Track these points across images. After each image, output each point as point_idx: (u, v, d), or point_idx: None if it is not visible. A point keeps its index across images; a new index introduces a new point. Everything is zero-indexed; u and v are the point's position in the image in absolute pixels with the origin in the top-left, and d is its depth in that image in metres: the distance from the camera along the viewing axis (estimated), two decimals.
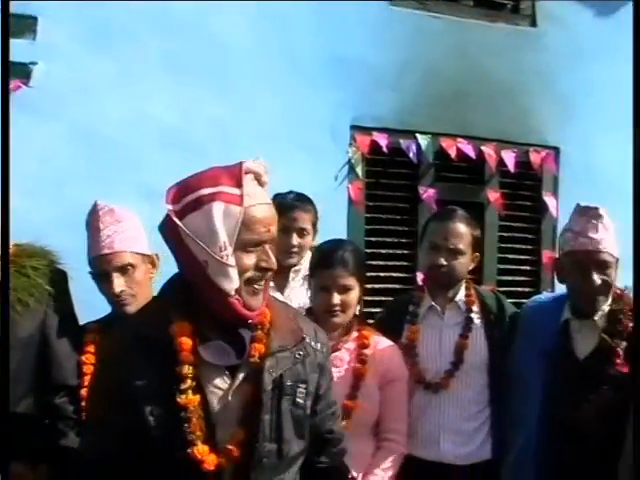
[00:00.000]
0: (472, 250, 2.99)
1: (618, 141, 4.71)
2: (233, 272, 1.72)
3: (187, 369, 1.74)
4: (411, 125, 4.42)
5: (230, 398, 1.78)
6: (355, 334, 2.78)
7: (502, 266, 4.70)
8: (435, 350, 2.96)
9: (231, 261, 1.71)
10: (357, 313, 2.83)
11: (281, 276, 3.20)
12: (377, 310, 3.61)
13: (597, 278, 2.60)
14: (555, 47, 4.73)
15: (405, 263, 4.45)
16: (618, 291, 2.70)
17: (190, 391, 1.73)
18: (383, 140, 4.33)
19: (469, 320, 2.96)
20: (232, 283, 1.73)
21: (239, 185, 1.72)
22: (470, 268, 3.02)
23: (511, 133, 4.66)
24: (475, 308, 2.99)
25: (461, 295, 3.01)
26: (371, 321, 3.29)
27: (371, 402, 2.70)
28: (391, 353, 2.82)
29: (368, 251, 4.33)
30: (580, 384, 2.57)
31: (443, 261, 2.91)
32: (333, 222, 4.00)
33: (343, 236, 4.14)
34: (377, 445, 2.75)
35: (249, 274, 1.74)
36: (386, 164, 4.41)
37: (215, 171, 1.77)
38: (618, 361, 2.54)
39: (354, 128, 4.32)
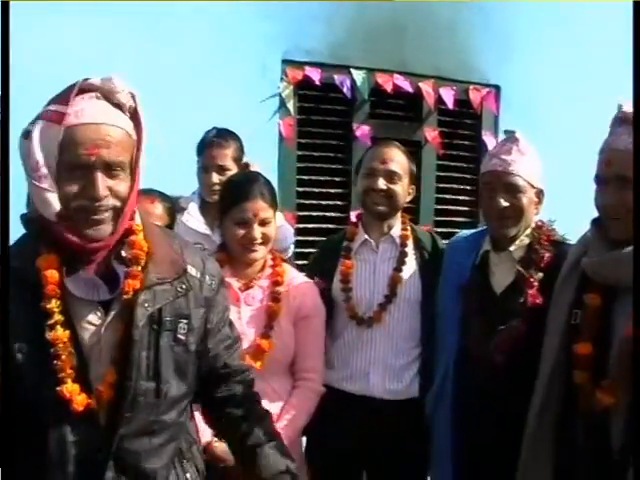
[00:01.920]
0: (409, 180, 2.99)
1: (558, 79, 4.73)
2: (49, 196, 1.65)
3: (54, 303, 1.70)
4: (345, 60, 4.37)
5: (103, 335, 1.74)
6: (269, 271, 2.78)
7: (439, 206, 4.72)
8: (369, 284, 2.99)
9: (46, 184, 1.64)
10: (271, 248, 2.83)
11: (210, 213, 3.24)
12: (310, 250, 3.62)
13: (503, 200, 2.60)
14: None
15: (338, 202, 4.44)
16: (539, 222, 2.71)
17: (59, 326, 1.69)
18: (316, 75, 4.28)
19: (403, 254, 2.99)
20: (49, 208, 1.66)
21: (66, 102, 1.64)
22: (407, 200, 3.04)
23: (450, 70, 4.64)
24: (410, 243, 3.00)
25: (396, 229, 3.01)
26: (305, 262, 3.32)
27: (285, 340, 2.73)
28: (305, 289, 2.84)
29: (300, 190, 4.34)
30: (495, 318, 2.58)
31: (382, 184, 2.91)
32: (263, 159, 3.98)
33: (274, 174, 4.14)
34: (293, 384, 2.78)
35: (77, 202, 1.67)
36: (319, 100, 4.37)
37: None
38: (531, 292, 2.55)
39: (286, 62, 4.25)
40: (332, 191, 4.43)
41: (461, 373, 2.67)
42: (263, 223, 2.66)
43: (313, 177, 4.33)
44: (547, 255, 2.60)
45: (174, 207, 3.04)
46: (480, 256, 2.73)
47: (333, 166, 4.42)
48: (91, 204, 1.66)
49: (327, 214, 4.38)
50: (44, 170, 1.63)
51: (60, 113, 1.63)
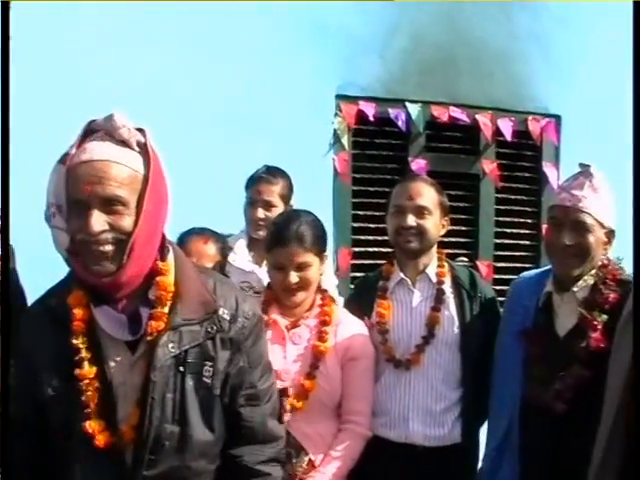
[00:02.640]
0: (441, 214, 2.91)
1: (620, 108, 4.61)
2: (59, 233, 1.72)
3: (80, 339, 1.74)
4: (399, 94, 4.34)
5: (129, 375, 1.76)
6: (317, 310, 2.72)
7: (499, 240, 4.60)
8: (406, 325, 2.91)
9: (56, 221, 1.72)
10: (323, 287, 2.77)
11: (258, 249, 3.19)
12: None
13: (568, 238, 2.50)
14: (550, 11, 4.59)
15: None
16: (605, 261, 2.58)
17: (86, 363, 1.73)
18: (370, 109, 4.25)
19: (441, 292, 2.90)
20: (60, 245, 1.73)
21: (77, 145, 1.73)
22: (441, 233, 2.96)
23: (507, 101, 4.57)
24: (447, 281, 2.92)
25: (432, 267, 2.94)
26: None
27: (331, 382, 2.64)
28: (354, 329, 2.76)
29: (355, 225, 4.29)
30: (558, 363, 2.47)
31: (411, 221, 2.83)
32: (318, 195, 3.95)
33: (329, 210, 4.09)
34: (340, 427, 2.69)
35: (79, 237, 1.70)
36: (373, 134, 4.34)
37: None
38: (595, 335, 2.44)
39: (339, 97, 4.24)
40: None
41: (524, 423, 2.55)
42: (300, 268, 2.59)
43: (369, 212, 4.27)
44: (612, 296, 2.48)
45: (226, 246, 3.02)
46: (543, 297, 2.63)
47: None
48: (89, 238, 1.69)
49: (383, 250, 4.29)
50: (53, 209, 1.73)
51: (68, 155, 1.72)
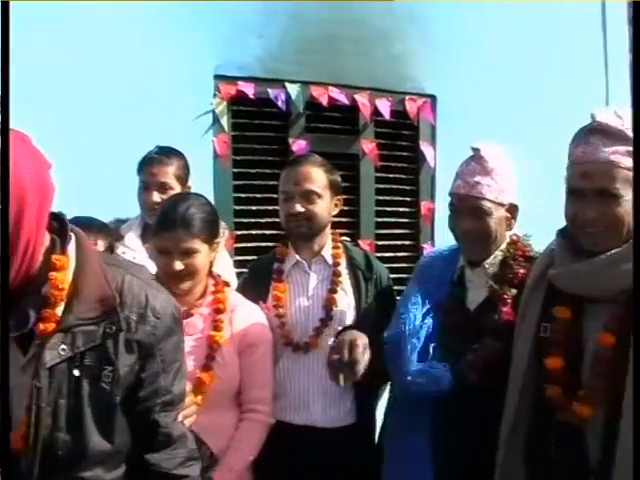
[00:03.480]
0: (332, 194, 2.92)
1: (495, 88, 4.77)
2: None
3: None
4: (279, 73, 4.31)
5: (21, 377, 1.60)
6: (210, 298, 2.66)
7: (380, 219, 4.68)
8: (303, 307, 2.92)
9: None
10: (216, 274, 2.72)
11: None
12: None
13: (468, 223, 2.56)
14: None
15: (276, 219, 4.33)
16: (514, 237, 2.67)
17: None
18: (249, 90, 4.21)
19: (337, 274, 2.91)
20: None
21: None
22: (333, 213, 2.97)
23: (386, 81, 4.62)
24: (343, 262, 2.94)
25: (328, 248, 2.95)
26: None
27: (229, 371, 2.61)
28: (250, 315, 2.73)
29: (237, 208, 4.24)
30: (470, 335, 2.53)
31: (299, 207, 2.83)
32: (199, 179, 3.89)
33: (210, 194, 4.03)
34: (241, 416, 2.68)
35: None
36: (253, 115, 4.29)
37: None
38: (505, 309, 2.52)
39: (218, 78, 4.17)
40: (270, 208, 4.34)
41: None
42: (186, 254, 2.51)
43: (250, 195, 4.24)
44: (521, 272, 2.55)
45: (116, 237, 2.94)
46: (458, 271, 2.68)
47: (270, 182, 4.33)
48: None
49: (266, 232, 4.29)
50: None
51: None
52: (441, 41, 4.71)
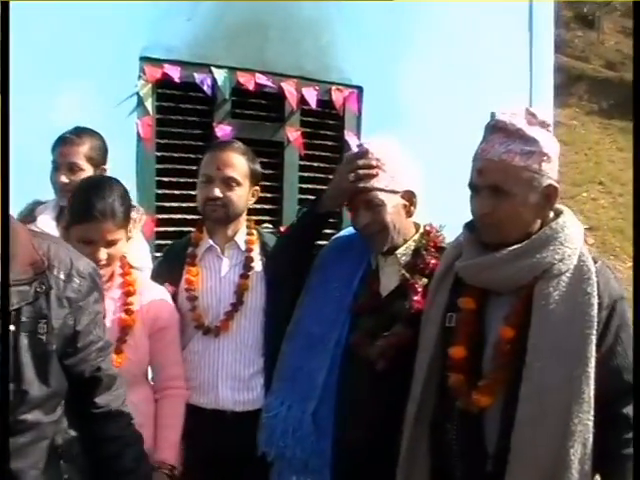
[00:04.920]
0: (251, 183, 2.96)
1: (421, 81, 4.87)
2: None
3: None
4: (206, 58, 4.32)
5: None
6: (119, 280, 2.70)
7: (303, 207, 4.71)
8: (215, 292, 2.96)
9: None
10: (123, 256, 2.74)
11: None
12: None
13: (363, 217, 2.61)
14: None
15: None
16: (427, 227, 2.73)
17: None
18: (175, 73, 4.20)
19: (249, 260, 2.96)
20: None
21: None
22: (250, 202, 3.02)
23: (313, 70, 4.68)
24: (256, 248, 2.99)
25: (242, 234, 3.00)
26: None
27: (139, 353, 2.68)
28: (159, 297, 2.78)
29: (159, 192, 4.24)
30: (381, 321, 2.59)
31: (218, 192, 2.87)
32: (121, 161, 3.87)
33: (132, 176, 4.03)
34: (160, 395, 2.75)
35: None
36: (178, 99, 4.30)
37: None
38: (416, 298, 2.57)
39: (144, 59, 4.15)
40: (193, 193, 4.33)
41: (344, 373, 2.63)
42: (110, 244, 2.55)
43: (173, 179, 4.25)
44: (433, 262, 2.60)
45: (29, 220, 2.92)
46: (372, 257, 2.73)
47: (194, 167, 4.32)
48: None
49: (188, 217, 4.30)
50: None
51: None
52: (369, 33, 4.79)
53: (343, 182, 2.65)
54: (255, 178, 3.00)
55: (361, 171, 2.60)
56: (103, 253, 2.52)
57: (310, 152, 4.71)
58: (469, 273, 2.28)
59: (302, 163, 4.70)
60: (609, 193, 15.36)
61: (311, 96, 4.61)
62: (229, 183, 2.89)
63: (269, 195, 4.48)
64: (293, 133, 4.60)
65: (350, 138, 4.81)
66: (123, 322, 2.63)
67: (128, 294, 2.67)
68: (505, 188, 2.18)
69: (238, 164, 2.92)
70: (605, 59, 21.33)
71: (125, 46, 4.04)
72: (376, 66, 4.82)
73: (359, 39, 4.78)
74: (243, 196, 2.95)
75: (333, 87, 4.74)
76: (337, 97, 4.74)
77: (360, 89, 4.85)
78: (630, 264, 13.22)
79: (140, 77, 4.13)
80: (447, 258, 2.42)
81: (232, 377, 2.93)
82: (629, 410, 2.17)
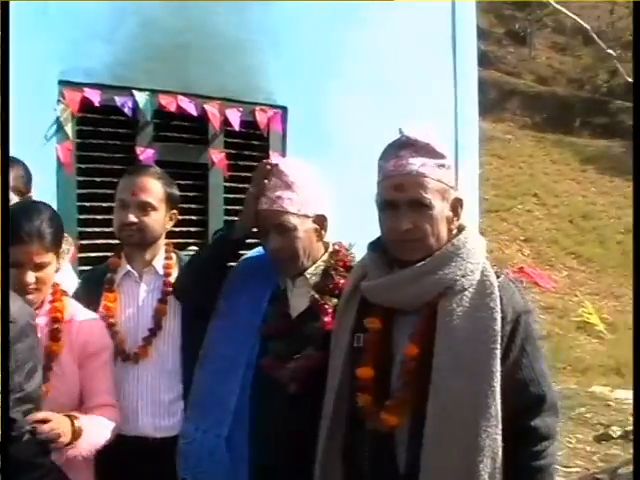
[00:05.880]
0: (167, 207, 2.95)
1: (346, 100, 4.90)
2: None
3: None
4: (127, 80, 4.27)
5: None
6: (48, 307, 2.63)
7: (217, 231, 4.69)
8: (133, 317, 2.93)
9: None
10: (56, 283, 2.70)
11: None
12: None
13: (275, 242, 2.59)
14: (280, 7, 4.74)
15: None
16: (336, 247, 2.73)
17: None
18: (95, 96, 4.15)
19: (167, 284, 2.93)
20: None
21: None
22: (168, 226, 3.01)
23: (236, 92, 4.66)
24: (174, 272, 2.97)
25: (160, 259, 2.98)
26: None
27: (68, 381, 2.59)
28: (90, 324, 2.71)
29: (81, 217, 4.18)
30: (293, 342, 2.57)
31: (133, 218, 2.85)
32: (41, 187, 3.81)
33: (53, 202, 3.96)
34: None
35: None
36: (99, 122, 4.24)
37: None
38: (326, 319, 2.56)
39: (63, 83, 4.09)
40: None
41: (258, 396, 2.60)
42: (39, 267, 2.50)
43: (95, 204, 4.18)
44: (342, 282, 2.59)
45: None
46: (281, 279, 2.71)
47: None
48: None
49: (111, 242, 4.23)
50: None
51: None
52: (293, 54, 4.80)
53: (250, 202, 2.64)
54: (172, 202, 2.98)
55: (264, 182, 2.60)
56: (31, 276, 2.47)
57: (235, 173, 4.68)
58: (374, 293, 2.29)
59: (227, 185, 4.67)
60: (543, 205, 15.65)
61: (234, 117, 4.59)
62: (144, 208, 2.87)
63: (194, 218, 4.45)
64: (217, 155, 4.57)
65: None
66: (49, 349, 2.55)
67: (55, 320, 2.60)
68: (425, 202, 2.20)
69: (153, 189, 2.90)
70: (537, 74, 21.80)
71: (43, 69, 3.98)
72: (301, 86, 4.83)
73: (283, 59, 4.78)
74: (159, 220, 2.92)
75: (257, 108, 4.73)
76: (261, 118, 4.73)
77: (285, 109, 4.85)
78: (566, 273, 13.49)
79: (59, 101, 4.07)
80: (353, 278, 2.42)
81: (152, 403, 2.88)
82: (537, 422, 2.21)
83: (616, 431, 6.43)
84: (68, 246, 3.12)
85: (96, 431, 2.54)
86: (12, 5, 3.70)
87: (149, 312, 2.92)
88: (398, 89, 5.15)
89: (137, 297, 2.95)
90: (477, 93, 6.01)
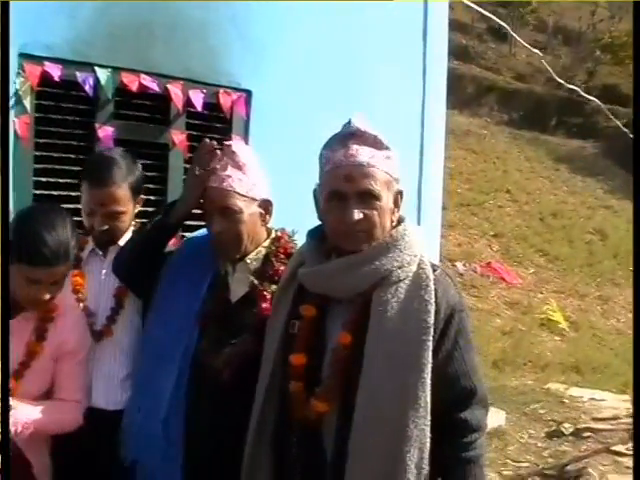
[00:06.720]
0: (135, 200, 3.00)
1: (311, 86, 4.89)
2: None
3: None
4: (88, 57, 4.21)
5: None
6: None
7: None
8: (97, 295, 2.95)
9: None
10: None
11: None
12: None
13: (219, 224, 2.58)
14: None
15: (78, 205, 4.26)
16: (279, 233, 2.72)
17: None
18: (56, 71, 4.08)
19: None
20: None
21: None
22: (136, 210, 3.05)
23: (201, 73, 4.60)
24: None
25: (125, 238, 3.00)
26: None
27: (42, 377, 2.62)
28: (73, 323, 2.71)
29: (37, 192, 4.13)
30: (229, 328, 2.57)
31: (104, 226, 2.90)
32: None
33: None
34: None
35: None
36: (59, 98, 4.19)
37: None
38: (264, 305, 2.56)
39: (23, 56, 4.03)
40: (73, 194, 4.25)
41: (193, 381, 2.60)
42: (56, 283, 2.53)
43: (51, 179, 4.14)
44: (282, 268, 2.59)
45: None
46: (221, 263, 2.70)
47: (74, 168, 4.25)
48: None
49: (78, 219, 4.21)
50: None
51: None
52: (259, 38, 4.76)
53: (192, 181, 2.63)
54: (138, 190, 3.02)
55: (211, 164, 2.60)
56: (48, 294, 2.50)
57: None
58: (310, 280, 2.29)
59: (187, 166, 4.63)
60: (515, 202, 15.74)
61: (197, 98, 4.55)
62: (115, 216, 2.91)
63: (152, 198, 4.41)
64: (178, 136, 4.53)
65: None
66: (32, 347, 2.57)
67: (45, 320, 2.61)
68: (375, 193, 2.20)
69: (122, 197, 2.91)
70: (516, 71, 21.87)
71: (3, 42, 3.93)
72: (266, 70, 4.80)
73: (249, 43, 4.74)
74: (129, 216, 2.97)
75: (221, 90, 4.69)
76: (225, 100, 4.68)
77: (249, 93, 4.82)
78: (532, 270, 13.59)
79: (19, 74, 4.02)
80: (291, 265, 2.42)
81: (106, 377, 2.90)
82: (467, 414, 2.24)
83: (568, 428, 6.51)
84: None
85: (27, 412, 2.52)
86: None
87: (111, 291, 2.93)
88: (366, 76, 5.14)
89: (100, 275, 2.96)
90: (446, 86, 6.01)
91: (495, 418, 6.58)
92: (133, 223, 3.06)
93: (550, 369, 9.27)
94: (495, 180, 16.15)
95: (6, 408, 1.77)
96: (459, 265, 12.44)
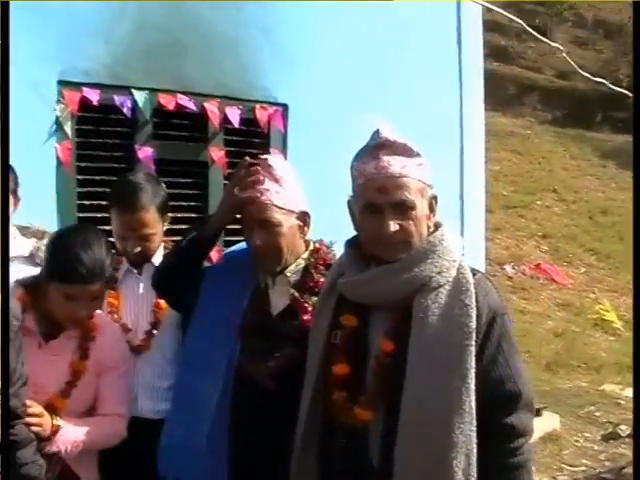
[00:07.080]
0: (163, 220, 3.09)
1: (348, 97, 4.91)
2: None
3: None
4: (125, 79, 4.31)
5: None
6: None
7: (229, 226, 4.71)
8: (134, 312, 3.05)
9: None
10: None
11: None
12: None
13: (260, 237, 2.60)
14: (278, 6, 4.74)
15: None
16: (317, 245, 2.75)
17: None
18: (94, 96, 4.18)
19: None
20: None
21: None
22: (164, 229, 3.14)
23: (236, 89, 4.67)
24: None
25: (159, 255, 3.12)
26: None
27: (86, 393, 2.68)
28: (113, 337, 2.78)
29: (81, 215, 4.22)
30: (272, 340, 2.61)
31: (137, 248, 3.00)
32: (41, 187, 3.88)
33: (52, 201, 4.02)
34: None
35: None
36: (98, 122, 4.28)
37: None
38: (306, 317, 2.59)
39: (62, 83, 4.14)
40: None
41: (237, 394, 2.62)
42: (94, 299, 2.59)
43: (95, 202, 4.22)
44: (322, 280, 2.61)
45: None
46: (261, 276, 2.73)
47: None
48: None
49: (110, 239, 4.28)
50: None
51: None
52: (292, 50, 4.81)
53: (229, 198, 2.67)
54: (165, 210, 3.11)
55: (249, 179, 2.61)
56: (85, 311, 2.56)
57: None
58: (350, 290, 2.30)
59: (227, 182, 4.68)
60: (563, 201, 15.53)
61: (234, 115, 4.61)
62: (146, 238, 3.01)
63: (194, 215, 4.48)
64: (217, 153, 4.60)
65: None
66: (76, 366, 2.63)
67: (87, 338, 2.66)
68: (409, 203, 2.21)
69: (151, 220, 3.01)
70: (557, 69, 21.61)
71: (43, 69, 4.03)
72: (301, 84, 4.84)
73: (282, 57, 4.79)
74: (159, 236, 3.07)
75: (257, 105, 4.74)
76: (261, 115, 4.74)
77: (285, 107, 4.86)
78: (583, 270, 13.40)
79: (59, 101, 4.12)
80: (331, 276, 2.44)
81: (150, 388, 3.01)
82: (513, 419, 2.22)
83: (625, 430, 6.38)
84: None
85: (75, 431, 2.59)
86: (11, 5, 3.77)
87: (149, 307, 3.03)
88: (401, 86, 5.15)
89: (137, 293, 3.07)
90: (483, 87, 5.99)
91: (549, 422, 6.51)
92: (163, 239, 3.15)
93: (605, 370, 9.12)
94: (541, 180, 15.97)
95: (6, 408, 1.82)
96: (508, 268, 12.32)
